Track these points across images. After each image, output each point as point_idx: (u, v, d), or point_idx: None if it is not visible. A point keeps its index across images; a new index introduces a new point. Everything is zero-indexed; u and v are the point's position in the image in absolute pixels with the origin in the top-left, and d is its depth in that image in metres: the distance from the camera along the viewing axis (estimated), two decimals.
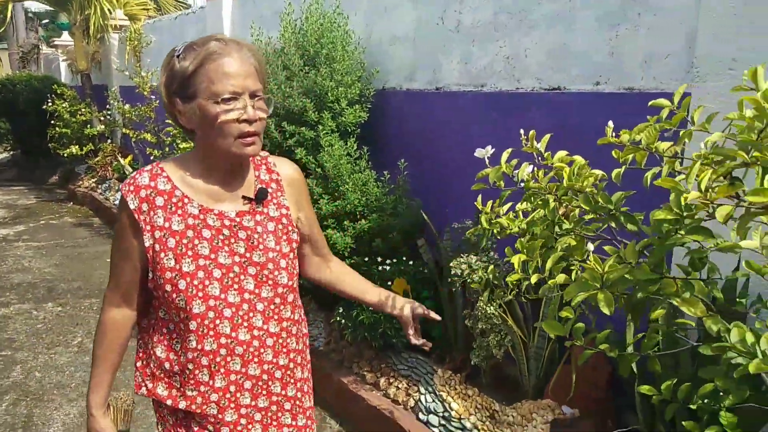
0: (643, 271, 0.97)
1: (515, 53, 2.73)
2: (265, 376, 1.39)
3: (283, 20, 3.31)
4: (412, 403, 2.75)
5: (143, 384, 1.41)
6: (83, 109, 8.44)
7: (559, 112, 2.58)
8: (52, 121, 8.67)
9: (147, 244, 1.29)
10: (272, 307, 1.38)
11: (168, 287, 1.29)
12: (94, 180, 8.51)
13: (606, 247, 1.06)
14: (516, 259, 1.16)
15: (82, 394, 3.20)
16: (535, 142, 1.29)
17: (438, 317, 1.56)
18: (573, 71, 2.53)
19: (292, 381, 1.45)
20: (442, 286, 2.84)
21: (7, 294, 4.79)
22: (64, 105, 8.45)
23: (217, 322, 1.32)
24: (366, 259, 3.02)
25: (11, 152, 12.61)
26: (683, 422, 1.57)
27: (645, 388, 1.37)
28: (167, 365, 1.37)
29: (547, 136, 1.25)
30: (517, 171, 1.29)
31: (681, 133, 1.05)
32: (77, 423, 2.97)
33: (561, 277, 1.12)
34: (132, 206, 1.29)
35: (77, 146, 8.46)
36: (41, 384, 3.36)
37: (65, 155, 8.60)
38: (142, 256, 1.32)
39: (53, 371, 3.52)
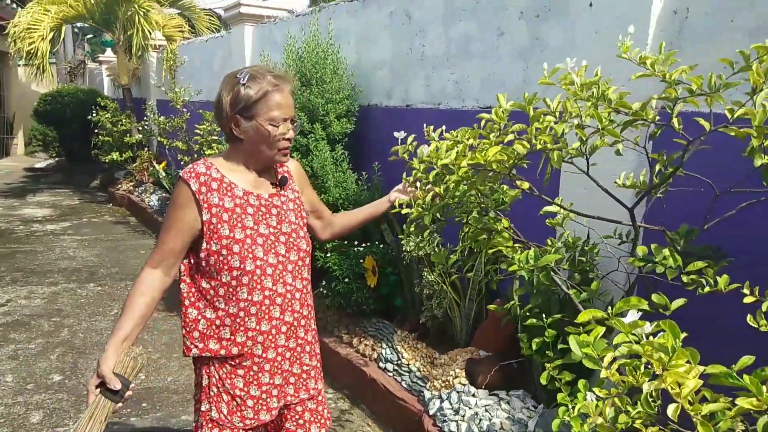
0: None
1: (461, 79, 3.44)
2: (295, 323, 1.77)
3: (286, 49, 4.09)
4: (375, 355, 3.44)
5: (193, 346, 1.70)
6: (123, 120, 9.29)
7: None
8: (96, 130, 9.49)
9: (205, 218, 1.63)
10: (297, 267, 1.77)
11: (224, 251, 1.62)
12: (131, 184, 9.37)
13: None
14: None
15: None
16: (432, 132, 1.97)
17: (410, 187, 2.04)
18: (498, 93, 3.22)
19: (309, 328, 1.86)
20: (402, 263, 3.54)
21: (56, 276, 5.62)
22: (107, 116, 9.26)
23: (263, 278, 1.67)
24: (345, 242, 3.73)
25: (56, 158, 13.65)
26: (534, 340, 2.23)
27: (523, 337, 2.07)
28: (218, 322, 1.68)
29: (441, 129, 1.90)
30: (417, 150, 1.96)
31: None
32: None
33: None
34: (194, 188, 1.63)
35: (117, 153, 9.24)
36: (84, 342, 4.14)
37: (106, 161, 9.37)
38: (193, 230, 1.65)
39: (93, 333, 4.29)
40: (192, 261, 1.72)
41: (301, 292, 1.78)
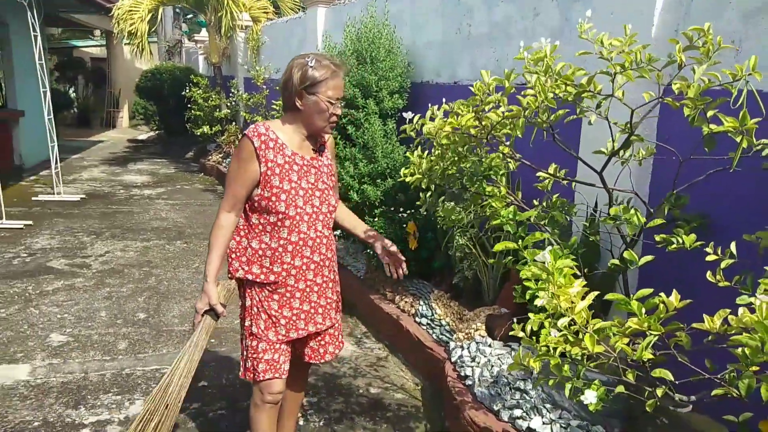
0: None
1: (501, 57, 3.66)
2: (321, 262, 2.13)
3: (345, 30, 4.45)
4: (413, 311, 3.79)
5: (240, 268, 2.08)
6: (213, 96, 10.03)
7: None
8: (189, 105, 10.35)
9: (262, 170, 1.97)
10: (326, 218, 2.12)
11: (273, 198, 1.98)
12: (220, 155, 10.13)
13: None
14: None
15: (194, 297, 4.53)
16: (435, 110, 2.28)
17: (401, 257, 2.27)
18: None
19: (333, 269, 2.23)
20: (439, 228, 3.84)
21: (148, 234, 6.34)
22: (198, 92, 10.02)
23: (300, 223, 2.03)
24: (392, 208, 4.09)
25: (156, 131, 14.83)
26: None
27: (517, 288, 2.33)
28: (260, 252, 2.05)
29: (444, 105, 2.21)
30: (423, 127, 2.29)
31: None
32: (187, 312, 4.29)
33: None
34: (256, 144, 1.97)
35: (208, 126, 9.99)
36: (168, 289, 4.75)
37: (198, 134, 10.18)
38: (253, 179, 1.98)
39: (176, 282, 4.91)
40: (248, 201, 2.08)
41: (327, 238, 2.15)
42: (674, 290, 1.32)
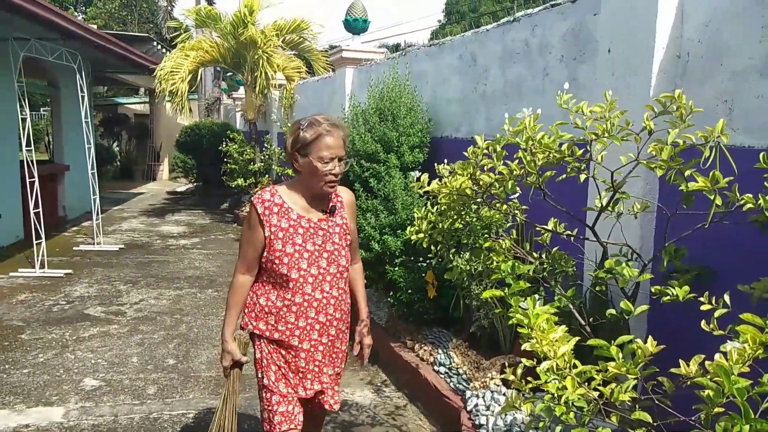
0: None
1: (513, 113, 3.83)
2: (327, 323, 2.15)
3: (369, 90, 4.70)
4: (432, 359, 3.86)
5: (250, 323, 2.16)
6: (248, 150, 10.47)
7: None
8: (225, 159, 10.82)
9: (266, 234, 2.04)
10: (335, 278, 2.14)
11: (276, 261, 2.04)
12: None
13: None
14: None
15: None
16: (441, 168, 2.45)
17: (364, 359, 2.32)
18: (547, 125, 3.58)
19: (341, 328, 2.23)
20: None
21: (182, 282, 6.57)
22: (234, 146, 10.45)
23: (304, 285, 2.07)
24: (412, 258, 4.21)
25: (194, 183, 15.39)
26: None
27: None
28: (267, 309, 2.11)
29: (446, 166, 2.38)
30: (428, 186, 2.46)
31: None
32: (216, 357, 4.43)
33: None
34: (260, 211, 2.05)
35: (242, 179, 10.36)
36: (197, 336, 4.91)
37: (233, 186, 10.55)
38: (261, 242, 2.06)
39: (206, 329, 5.07)
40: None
41: (336, 299, 2.17)
42: (650, 337, 1.41)
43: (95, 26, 10.21)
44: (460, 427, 3.06)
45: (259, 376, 2.19)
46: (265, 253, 2.07)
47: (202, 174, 14.23)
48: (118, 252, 7.97)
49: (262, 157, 10.21)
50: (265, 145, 9.65)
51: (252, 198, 2.08)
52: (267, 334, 2.12)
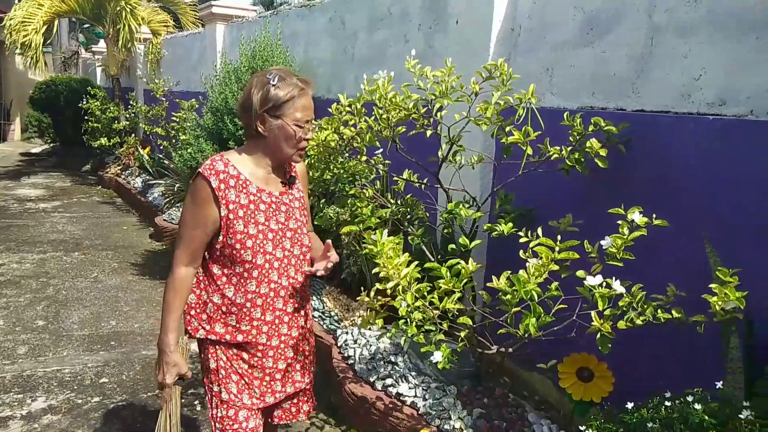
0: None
1: None
2: (295, 313, 1.85)
3: (241, 48, 4.78)
4: None
5: (200, 327, 1.77)
6: (111, 108, 9.93)
7: None
8: (86, 117, 10.16)
9: (223, 214, 1.67)
10: (299, 261, 1.82)
11: (238, 245, 1.68)
12: (119, 167, 10.00)
13: None
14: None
15: (93, 304, 4.65)
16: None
17: (335, 257, 1.80)
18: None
19: (308, 317, 1.96)
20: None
21: (45, 246, 6.30)
22: (96, 103, 9.86)
23: (270, 271, 1.73)
24: None
25: (51, 144, 14.27)
26: None
27: None
28: (224, 308, 1.74)
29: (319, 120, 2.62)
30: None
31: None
32: (86, 318, 4.41)
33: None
34: (214, 185, 1.65)
35: (106, 138, 9.81)
36: (66, 297, 4.83)
37: (96, 146, 10.01)
38: (215, 224, 1.68)
39: (75, 291, 4.99)
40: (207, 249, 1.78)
41: (301, 284, 1.86)
42: (471, 259, 1.78)
43: None
44: (332, 360, 3.39)
45: (215, 390, 1.83)
46: (220, 238, 1.72)
47: (61, 134, 13.24)
48: None
49: (127, 116, 9.78)
50: (131, 102, 9.24)
51: (201, 169, 1.70)
52: (227, 337, 1.78)
